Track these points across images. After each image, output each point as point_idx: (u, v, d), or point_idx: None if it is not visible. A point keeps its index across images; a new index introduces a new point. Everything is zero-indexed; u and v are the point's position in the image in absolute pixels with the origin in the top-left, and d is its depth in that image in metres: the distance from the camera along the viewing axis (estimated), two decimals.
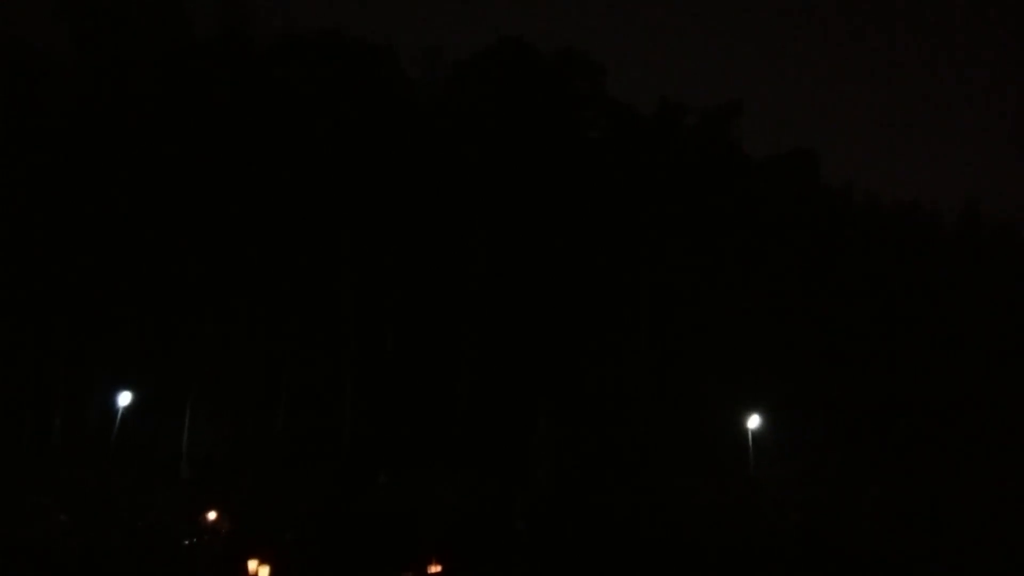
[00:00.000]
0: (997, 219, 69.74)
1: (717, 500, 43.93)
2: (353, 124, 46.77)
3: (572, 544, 38.03)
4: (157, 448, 40.53)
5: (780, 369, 52.03)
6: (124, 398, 38.76)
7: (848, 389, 54.14)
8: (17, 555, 31.54)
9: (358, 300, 46.04)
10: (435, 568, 31.75)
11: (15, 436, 39.21)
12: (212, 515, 35.09)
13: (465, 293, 48.00)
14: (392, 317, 46.73)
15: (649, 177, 52.43)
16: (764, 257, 54.26)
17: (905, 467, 48.65)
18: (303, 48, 47.56)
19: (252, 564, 29.20)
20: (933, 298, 59.88)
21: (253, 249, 44.01)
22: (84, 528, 34.14)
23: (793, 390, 51.72)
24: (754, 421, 44.92)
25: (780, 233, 55.55)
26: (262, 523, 35.50)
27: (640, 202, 51.72)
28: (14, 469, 36.68)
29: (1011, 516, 42.52)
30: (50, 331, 40.70)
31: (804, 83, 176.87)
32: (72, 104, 43.95)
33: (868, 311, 57.33)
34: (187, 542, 34.59)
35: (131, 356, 41.13)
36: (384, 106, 48.36)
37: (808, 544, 40.94)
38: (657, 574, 36.46)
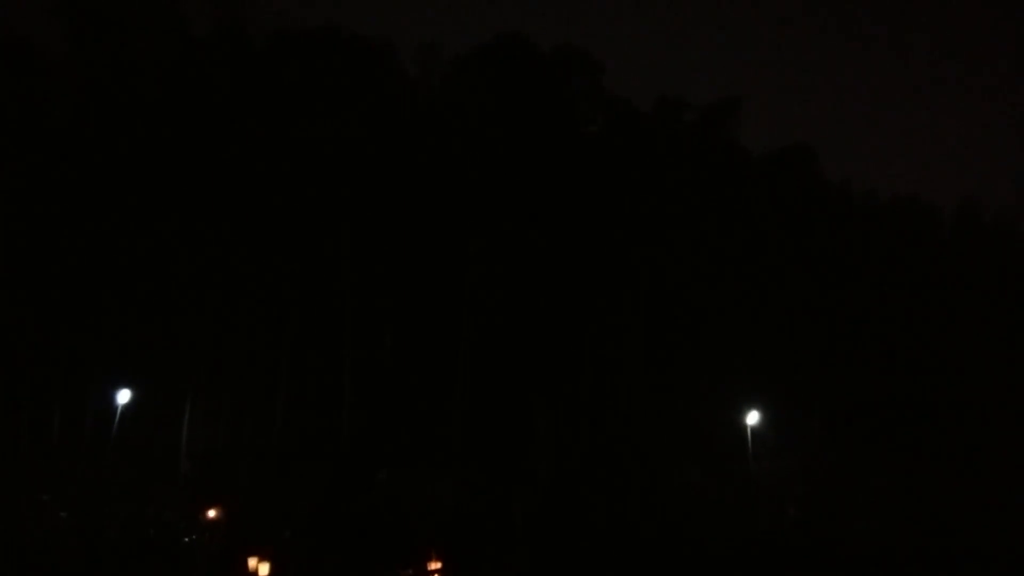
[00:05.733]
0: (995, 214, 69.99)
1: (716, 496, 44.06)
2: (351, 121, 46.69)
3: (571, 540, 38.08)
4: (156, 446, 40.58)
5: (778, 365, 52.13)
6: (123, 395, 38.73)
7: (846, 385, 54.25)
8: (17, 552, 31.58)
9: (357, 298, 46.03)
10: (435, 565, 31.77)
11: (14, 434, 39.18)
12: (212, 512, 35.10)
13: (463, 290, 47.97)
14: (390, 315, 46.71)
15: (648, 173, 52.41)
16: (762, 252, 54.30)
17: (903, 463, 48.80)
18: (300, 45, 47.41)
19: (252, 561, 29.25)
20: (931, 293, 59.97)
21: (252, 247, 43.98)
22: (84, 525, 34.19)
23: (791, 386, 51.84)
24: (752, 417, 44.98)
25: (778, 228, 55.58)
26: (262, 520, 35.54)
27: (638, 198, 51.70)
28: (13, 467, 36.73)
29: (1008, 513, 42.64)
30: (49, 329, 40.64)
31: (803, 79, 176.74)
32: (70, 102, 43.86)
33: (866, 306, 57.42)
34: (187, 539, 34.63)
35: (130, 353, 41.10)
36: (382, 103, 48.29)
37: (806, 539, 41.08)
38: (656, 570, 36.51)
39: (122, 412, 38.93)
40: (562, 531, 38.59)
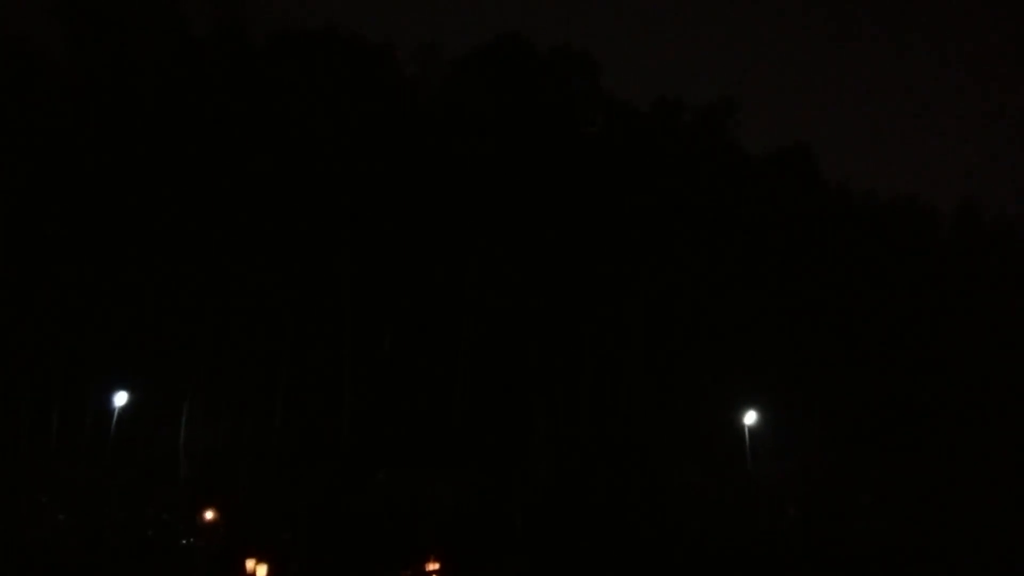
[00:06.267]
0: (994, 214, 69.98)
1: (716, 496, 44.03)
2: (351, 121, 46.67)
3: (571, 541, 38.05)
4: (155, 447, 40.55)
5: (777, 365, 52.11)
6: (121, 397, 38.70)
7: (845, 385, 54.23)
8: (16, 554, 31.54)
9: (356, 298, 45.99)
10: (433, 566, 31.72)
11: (13, 435, 39.13)
12: (210, 514, 35.08)
13: (463, 290, 47.96)
14: (390, 315, 46.69)
15: (646, 173, 52.40)
16: (761, 253, 54.27)
17: (901, 463, 48.76)
18: (299, 45, 47.40)
19: (250, 563, 29.17)
20: (931, 293, 59.94)
21: (251, 248, 43.94)
22: (83, 526, 34.15)
23: (790, 386, 51.82)
24: (751, 417, 44.99)
25: (777, 229, 55.57)
26: (260, 521, 35.51)
27: (637, 198, 51.69)
28: (12, 469, 36.67)
29: (1007, 513, 42.62)
30: (48, 330, 40.60)
31: (803, 79, 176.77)
32: (69, 103, 43.81)
33: (866, 306, 57.39)
34: (185, 541, 34.60)
35: (129, 354, 41.06)
36: (381, 103, 48.27)
37: (805, 538, 41.07)
38: (656, 570, 36.49)
39: (121, 413, 38.91)
40: (562, 531, 38.54)
